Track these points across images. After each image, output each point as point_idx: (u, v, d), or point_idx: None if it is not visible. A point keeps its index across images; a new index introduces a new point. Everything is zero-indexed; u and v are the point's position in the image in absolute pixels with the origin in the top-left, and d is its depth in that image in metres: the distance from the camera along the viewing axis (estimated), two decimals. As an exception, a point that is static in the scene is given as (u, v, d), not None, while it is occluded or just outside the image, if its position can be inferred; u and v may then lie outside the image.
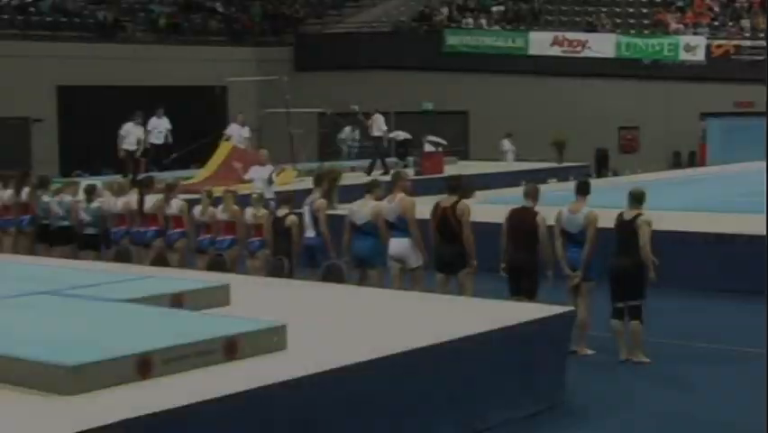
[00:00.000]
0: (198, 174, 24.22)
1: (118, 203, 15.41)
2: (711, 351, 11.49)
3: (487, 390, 8.83)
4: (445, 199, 12.04)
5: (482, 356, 8.85)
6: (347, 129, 29.28)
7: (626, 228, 10.93)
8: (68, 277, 11.24)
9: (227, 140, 25.88)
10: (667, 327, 11.83)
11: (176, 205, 14.78)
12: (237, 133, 26.40)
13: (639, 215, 10.96)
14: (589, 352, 11.19)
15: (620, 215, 11.13)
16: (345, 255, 12.66)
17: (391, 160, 28.02)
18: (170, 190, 15.05)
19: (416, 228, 12.17)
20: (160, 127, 25.44)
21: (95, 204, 15.52)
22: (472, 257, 11.77)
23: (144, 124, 24.88)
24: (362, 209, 12.56)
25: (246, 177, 20.33)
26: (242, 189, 17.46)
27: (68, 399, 6.90)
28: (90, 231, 15.45)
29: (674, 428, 9.15)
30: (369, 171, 25.15)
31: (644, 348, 10.94)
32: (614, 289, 10.96)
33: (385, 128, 27.01)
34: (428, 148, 28.29)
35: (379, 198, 12.66)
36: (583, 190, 11.50)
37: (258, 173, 19.12)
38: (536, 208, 11.56)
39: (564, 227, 11.33)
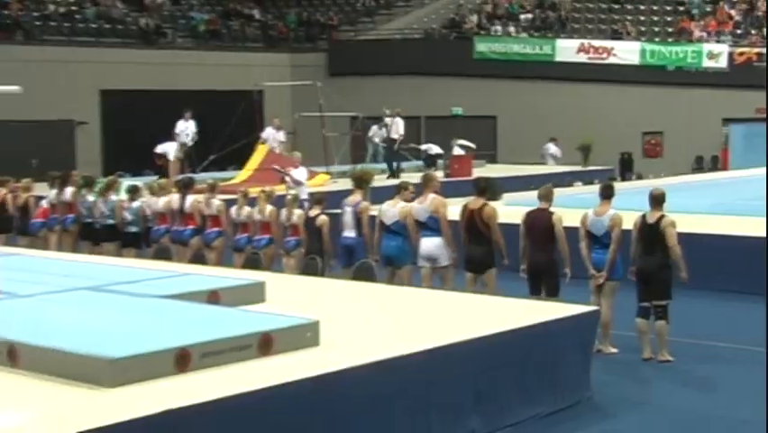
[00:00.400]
0: (237, 176, 24.34)
1: (159, 202, 15.48)
2: (732, 351, 11.37)
3: (514, 386, 8.79)
4: (473, 201, 11.98)
5: (509, 353, 8.82)
6: (374, 127, 29.20)
7: (651, 230, 10.82)
8: (109, 274, 11.29)
9: (263, 143, 26.00)
10: (690, 326, 11.71)
11: (214, 205, 14.83)
12: (272, 137, 26.50)
13: (663, 216, 10.86)
14: (614, 350, 11.12)
15: (642, 217, 11.02)
16: (375, 254, 12.64)
17: (414, 163, 28.06)
18: (211, 191, 15.11)
19: (448, 227, 12.13)
20: (186, 130, 25.50)
21: (136, 203, 15.61)
22: (505, 256, 11.77)
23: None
24: (392, 209, 12.54)
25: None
26: (278, 190, 17.49)
27: (108, 391, 6.93)
28: (132, 229, 15.54)
29: (695, 425, 9.08)
30: (397, 174, 24.98)
31: (668, 347, 10.86)
32: (641, 289, 10.87)
33: (402, 132, 26.77)
34: (457, 151, 28.25)
35: (408, 199, 12.63)
36: (607, 194, 11.43)
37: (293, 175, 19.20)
38: (552, 209, 11.51)
39: (589, 229, 11.25)
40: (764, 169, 27.46)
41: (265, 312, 9.14)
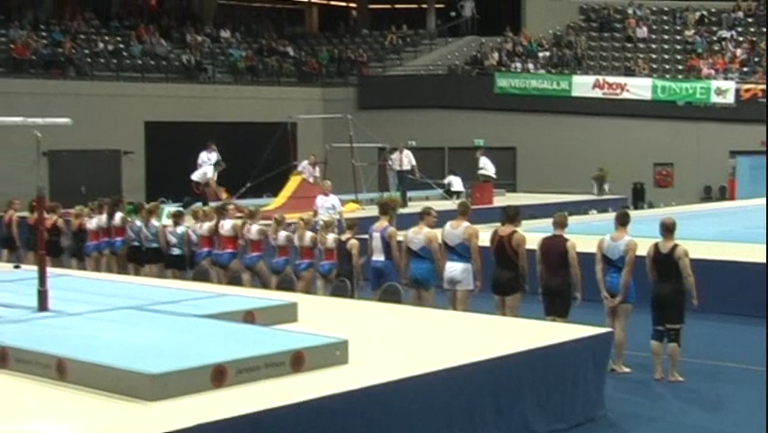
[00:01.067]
0: (272, 202, 24.41)
1: (204, 227, 15.52)
2: (741, 371, 11.26)
3: (532, 403, 8.73)
4: (503, 228, 11.92)
5: (528, 372, 8.77)
6: (393, 157, 29.24)
7: (666, 259, 10.73)
8: (152, 294, 11.30)
9: (298, 174, 26.06)
10: (699, 347, 11.58)
11: (254, 230, 14.85)
12: (308, 171, 26.56)
13: (676, 246, 10.77)
14: (627, 370, 11.02)
15: (655, 246, 10.92)
16: (404, 277, 12.58)
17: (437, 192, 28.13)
18: (251, 217, 15.15)
19: (478, 255, 12.05)
20: (210, 161, 25.57)
21: (181, 228, 15.66)
22: (525, 281, 11.70)
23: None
24: (417, 236, 12.47)
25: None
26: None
27: (149, 404, 6.92)
28: (176, 252, 15.58)
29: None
30: (405, 204, 24.78)
31: (679, 368, 10.77)
32: (655, 313, 10.79)
33: (414, 163, 26.63)
34: (483, 162, 28.06)
35: (431, 225, 12.56)
36: (623, 221, 11.37)
37: (322, 202, 19.06)
38: (566, 235, 11.45)
39: (605, 254, 11.18)
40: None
41: (297, 331, 9.11)
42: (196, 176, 24.52)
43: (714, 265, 14.43)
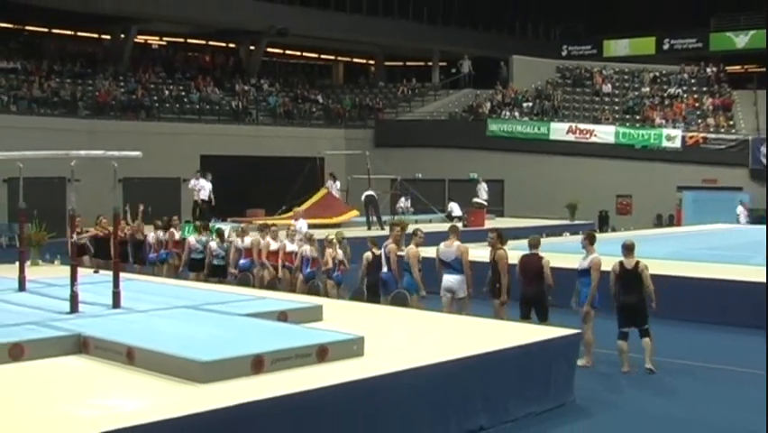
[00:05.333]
0: (303, 205, 24.60)
1: (245, 241, 15.53)
2: (696, 368, 11.10)
3: (513, 390, 8.69)
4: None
5: (511, 365, 8.73)
6: (402, 199, 29.43)
7: (630, 273, 10.67)
8: (204, 296, 11.32)
9: (326, 188, 26.91)
10: (662, 348, 11.35)
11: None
12: (332, 186, 27.25)
13: (638, 262, 10.72)
14: (588, 364, 10.87)
15: (621, 263, 10.83)
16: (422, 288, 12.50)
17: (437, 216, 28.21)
18: (262, 231, 15.28)
19: (470, 268, 12.02)
20: (197, 186, 25.54)
21: (225, 243, 15.67)
22: (509, 289, 11.66)
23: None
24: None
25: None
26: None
27: (200, 386, 6.93)
28: (218, 262, 15.55)
29: (660, 424, 8.86)
30: (375, 225, 24.66)
31: (653, 359, 10.65)
32: (623, 318, 10.67)
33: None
34: (482, 186, 28.29)
35: (418, 243, 12.60)
36: (592, 241, 11.31)
37: (299, 226, 18.66)
38: (541, 254, 11.41)
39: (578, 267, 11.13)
40: (708, 226, 27.35)
41: (322, 329, 9.11)
42: (203, 196, 24.62)
43: (664, 279, 14.32)
